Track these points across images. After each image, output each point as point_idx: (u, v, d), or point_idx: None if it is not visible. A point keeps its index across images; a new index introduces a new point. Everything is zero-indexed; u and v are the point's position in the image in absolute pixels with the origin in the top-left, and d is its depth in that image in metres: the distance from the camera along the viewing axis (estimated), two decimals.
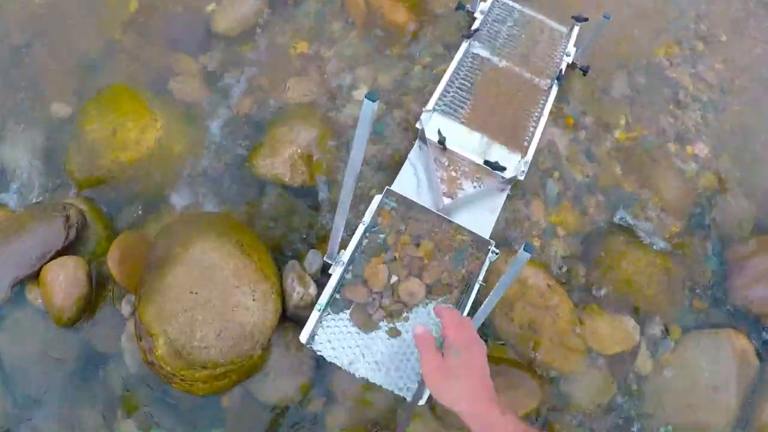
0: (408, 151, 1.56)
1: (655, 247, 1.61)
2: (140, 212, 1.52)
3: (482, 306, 1.21)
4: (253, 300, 1.28)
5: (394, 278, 1.36)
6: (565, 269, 1.55)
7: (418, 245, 1.40)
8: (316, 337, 1.28)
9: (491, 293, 1.15)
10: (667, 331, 1.53)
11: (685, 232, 1.64)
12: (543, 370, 1.44)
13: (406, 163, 1.53)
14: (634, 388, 1.48)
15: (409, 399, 1.18)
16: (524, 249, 1.02)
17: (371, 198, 1.43)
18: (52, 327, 1.36)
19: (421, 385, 1.10)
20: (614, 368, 1.49)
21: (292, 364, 1.36)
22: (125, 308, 1.39)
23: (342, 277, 1.33)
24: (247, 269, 1.29)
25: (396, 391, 1.24)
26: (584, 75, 1.79)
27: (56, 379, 1.34)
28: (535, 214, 1.62)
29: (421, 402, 1.12)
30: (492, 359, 1.18)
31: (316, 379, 1.39)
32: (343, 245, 1.33)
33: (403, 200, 1.42)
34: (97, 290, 1.44)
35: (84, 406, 1.34)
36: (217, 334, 1.24)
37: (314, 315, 1.28)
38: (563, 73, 1.72)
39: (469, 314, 1.34)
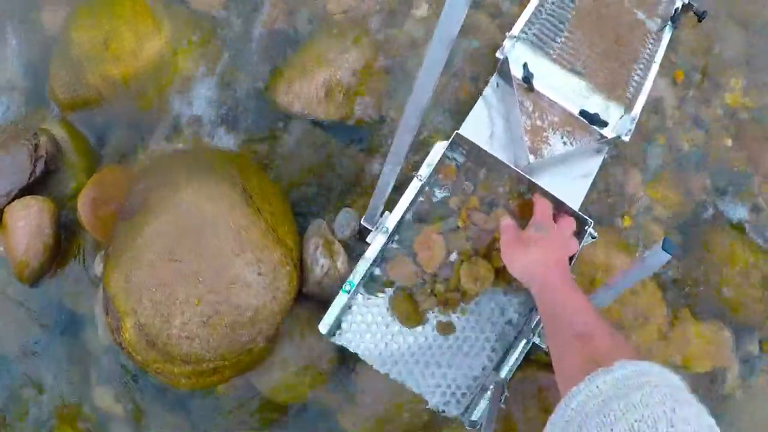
0: (482, 90, 1.08)
1: (760, 243, 1.19)
2: (131, 142, 1.07)
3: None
4: (259, 274, 0.79)
5: (453, 255, 0.91)
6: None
7: (489, 213, 0.94)
8: (342, 327, 0.87)
9: (593, 296, 0.81)
10: (761, 347, 1.15)
11: None
12: None
13: (479, 103, 1.01)
14: (717, 409, 1.09)
15: (454, 415, 0.86)
16: (663, 247, 0.66)
17: (429, 146, 0.95)
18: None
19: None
20: (699, 388, 1.09)
21: (307, 358, 0.86)
22: (98, 268, 0.91)
23: (384, 249, 0.89)
24: (253, 229, 0.80)
25: (440, 407, 0.86)
26: (699, 21, 1.28)
27: (23, 335, 1.02)
28: (631, 186, 1.16)
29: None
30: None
31: (337, 376, 0.97)
32: (389, 206, 0.88)
33: (474, 151, 0.95)
34: (69, 241, 1.02)
35: (55, 366, 1.00)
36: (204, 320, 0.77)
37: (340, 298, 0.85)
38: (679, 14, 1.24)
39: None
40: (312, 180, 1.01)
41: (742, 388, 1.11)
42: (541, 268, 0.81)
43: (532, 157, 0.96)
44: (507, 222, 0.89)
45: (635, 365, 0.59)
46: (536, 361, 0.96)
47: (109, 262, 0.84)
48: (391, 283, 0.88)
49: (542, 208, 0.89)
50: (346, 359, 0.95)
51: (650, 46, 1.16)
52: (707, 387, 1.10)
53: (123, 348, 0.85)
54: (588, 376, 0.58)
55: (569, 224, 0.89)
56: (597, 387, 0.57)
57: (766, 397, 1.10)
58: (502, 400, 0.78)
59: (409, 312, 0.87)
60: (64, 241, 1.00)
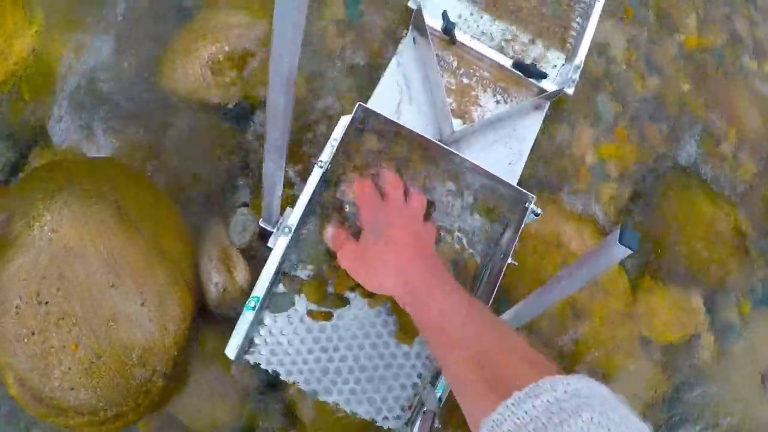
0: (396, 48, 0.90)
1: (726, 195, 1.05)
2: (12, 158, 0.89)
3: (517, 306, 0.70)
4: (142, 304, 0.66)
5: None
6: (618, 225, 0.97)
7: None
8: (255, 344, 0.74)
9: (541, 291, 0.64)
10: (738, 308, 1.03)
11: (763, 176, 1.09)
12: (584, 369, 0.93)
13: (392, 65, 0.82)
14: (693, 381, 0.98)
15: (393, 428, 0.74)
16: (620, 239, 0.50)
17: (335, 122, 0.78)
18: None
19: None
20: (671, 359, 0.98)
21: (224, 383, 0.73)
22: None
23: (288, 252, 0.74)
24: (129, 252, 0.66)
25: (375, 418, 0.74)
26: None
27: None
28: (581, 144, 0.99)
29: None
30: None
31: (265, 396, 0.82)
32: (291, 200, 0.76)
33: (385, 125, 0.77)
34: None
35: None
36: (85, 367, 0.64)
37: (245, 317, 0.71)
38: None
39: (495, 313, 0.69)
40: (206, 177, 0.84)
41: (719, 353, 1.00)
42: (397, 278, 0.66)
43: (458, 123, 0.80)
44: (331, 232, 0.73)
45: (565, 383, 0.46)
46: None
47: None
48: (299, 290, 0.74)
49: (361, 197, 0.73)
50: (271, 377, 0.83)
51: None
52: (681, 356, 0.97)
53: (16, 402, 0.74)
54: (504, 401, 0.46)
55: (418, 202, 0.74)
56: (525, 413, 0.44)
57: (743, 361, 0.98)
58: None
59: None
60: None
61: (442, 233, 0.77)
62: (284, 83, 0.47)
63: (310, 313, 0.74)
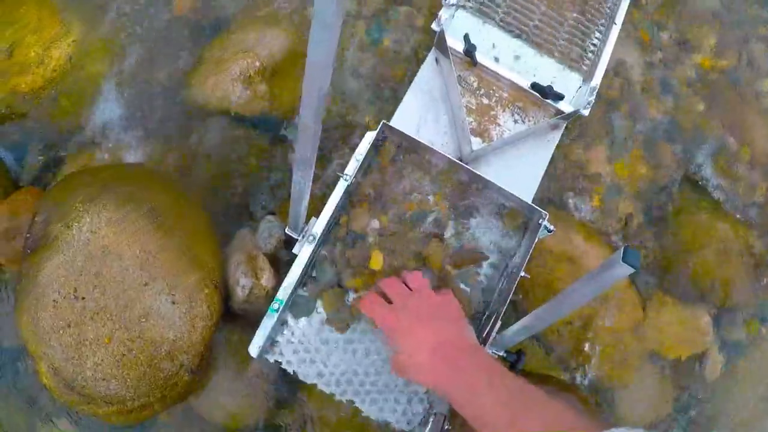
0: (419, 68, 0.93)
1: (738, 216, 1.06)
2: (49, 162, 0.93)
3: (527, 318, 0.70)
4: (173, 303, 0.70)
5: (395, 261, 0.78)
6: (630, 242, 0.99)
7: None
8: (276, 344, 0.76)
9: (550, 305, 0.65)
10: (745, 328, 1.03)
11: None
12: (594, 382, 0.94)
13: (414, 86, 0.84)
14: (699, 397, 0.98)
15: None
16: (624, 258, 0.52)
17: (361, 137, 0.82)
18: None
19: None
20: (678, 375, 0.98)
21: (246, 380, 0.76)
22: None
23: (314, 258, 0.77)
24: (162, 254, 0.70)
25: (389, 421, 0.76)
26: None
27: None
28: (595, 163, 1.01)
29: None
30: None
31: (284, 395, 0.85)
32: (317, 209, 0.77)
33: (407, 141, 0.82)
34: None
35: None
36: (117, 359, 0.67)
37: (269, 319, 0.73)
38: None
39: (504, 324, 0.77)
40: (235, 185, 0.88)
41: (725, 371, 1.00)
42: (435, 384, 0.64)
43: (477, 142, 0.83)
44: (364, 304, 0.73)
45: None
46: None
47: (17, 303, 0.75)
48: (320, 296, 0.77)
49: (372, 310, 0.71)
50: (289, 376, 0.86)
51: (610, 3, 0.98)
52: (688, 372, 0.98)
53: (47, 390, 0.78)
54: None
55: (420, 283, 0.73)
56: None
57: (750, 379, 0.99)
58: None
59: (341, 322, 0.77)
60: None
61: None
62: (316, 101, 0.51)
63: (329, 320, 0.77)
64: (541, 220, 0.78)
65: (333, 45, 0.43)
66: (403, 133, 0.77)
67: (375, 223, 0.78)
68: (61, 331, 0.70)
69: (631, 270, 0.53)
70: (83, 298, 0.70)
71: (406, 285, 0.72)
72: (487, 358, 0.64)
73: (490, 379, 0.60)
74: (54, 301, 0.71)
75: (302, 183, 0.66)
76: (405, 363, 0.65)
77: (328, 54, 0.44)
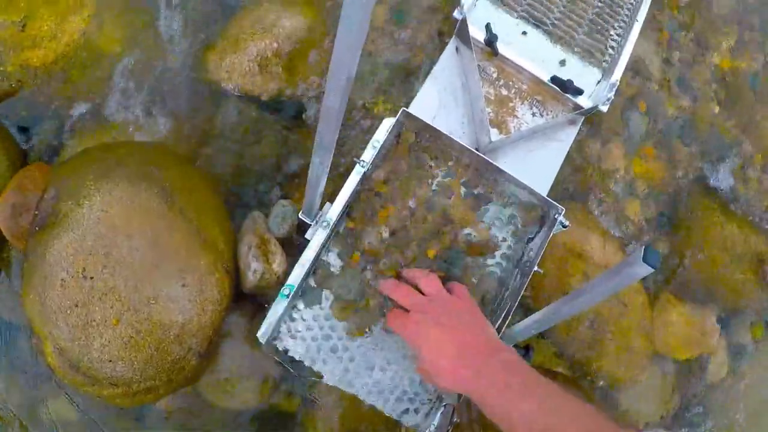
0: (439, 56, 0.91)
1: (751, 219, 1.05)
2: (59, 138, 0.90)
3: (540, 313, 0.69)
4: (183, 285, 0.68)
5: (407, 252, 0.77)
6: (641, 240, 0.97)
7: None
8: (283, 331, 0.74)
9: (564, 301, 0.64)
10: (751, 331, 1.03)
11: None
12: (599, 380, 0.93)
13: (433, 74, 0.82)
14: (702, 398, 0.99)
15: (411, 425, 0.75)
16: (644, 258, 0.51)
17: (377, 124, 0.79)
18: None
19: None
20: (682, 376, 0.98)
21: (253, 364, 0.75)
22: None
23: (327, 244, 0.76)
24: (174, 235, 0.68)
25: (394, 415, 0.75)
26: None
27: None
28: (611, 159, 1.00)
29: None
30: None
31: (289, 380, 0.84)
32: (332, 195, 0.75)
33: (425, 130, 0.79)
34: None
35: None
36: (125, 341, 0.65)
37: (279, 304, 0.72)
38: None
39: (513, 318, 0.77)
40: (248, 167, 0.85)
41: (730, 374, 1.00)
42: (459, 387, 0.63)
43: (495, 133, 0.81)
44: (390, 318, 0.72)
45: None
46: None
47: (24, 280, 0.73)
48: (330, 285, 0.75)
49: (394, 318, 0.71)
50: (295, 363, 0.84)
51: (632, 1, 0.97)
52: (695, 374, 0.98)
53: (51, 370, 0.76)
54: None
55: (434, 287, 0.71)
56: None
57: (755, 383, 0.98)
58: (450, 428, 0.67)
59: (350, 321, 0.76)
60: None
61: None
62: (342, 87, 0.49)
63: (338, 310, 0.76)
64: (557, 215, 0.76)
65: (364, 29, 0.42)
66: (422, 120, 0.75)
67: (390, 211, 0.76)
68: (68, 311, 0.69)
69: (651, 270, 0.51)
70: (92, 278, 0.68)
71: (418, 290, 0.71)
72: (509, 358, 0.63)
73: (515, 380, 0.59)
74: (62, 280, 0.69)
75: (320, 168, 0.64)
76: (429, 371, 0.64)
77: (359, 38, 0.42)
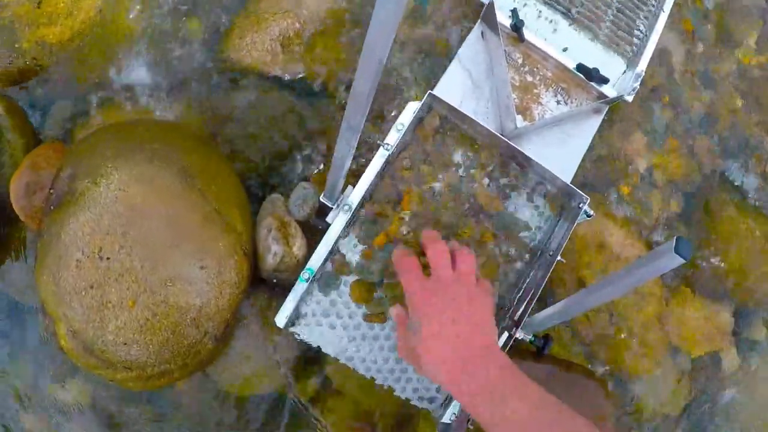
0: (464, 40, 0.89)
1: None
2: (74, 116, 0.88)
3: (563, 302, 0.68)
4: (201, 268, 0.65)
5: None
6: (661, 233, 0.96)
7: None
8: (302, 316, 0.73)
9: (588, 291, 0.63)
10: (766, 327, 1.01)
11: None
12: (614, 371, 0.92)
13: (457, 59, 0.81)
14: (715, 393, 0.98)
15: (429, 409, 0.74)
16: (676, 249, 0.50)
17: (401, 107, 0.73)
18: None
19: None
20: (695, 370, 0.97)
21: (268, 350, 0.74)
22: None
23: (347, 228, 0.74)
24: (192, 215, 0.66)
25: (413, 400, 0.74)
26: None
27: None
28: (632, 150, 0.97)
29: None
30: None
31: (304, 366, 0.83)
32: (354, 178, 0.74)
33: (451, 113, 0.77)
34: (12, 231, 0.86)
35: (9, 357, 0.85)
36: (140, 324, 0.63)
37: (298, 288, 0.71)
38: None
39: (535, 307, 0.75)
40: (267, 148, 0.83)
41: (743, 371, 0.98)
42: (445, 382, 0.59)
43: (519, 119, 0.79)
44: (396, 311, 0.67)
45: None
46: (516, 348, 0.81)
47: (38, 261, 0.71)
48: (348, 272, 0.73)
49: (407, 280, 0.64)
50: (312, 348, 0.83)
51: None
52: (706, 367, 0.96)
53: (64, 353, 0.74)
54: None
55: (467, 265, 0.64)
56: None
57: (765, 379, 0.97)
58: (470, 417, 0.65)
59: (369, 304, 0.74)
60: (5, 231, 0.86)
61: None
62: (373, 69, 0.47)
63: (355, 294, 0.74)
64: (581, 204, 0.74)
65: (399, 12, 0.40)
66: (448, 104, 0.73)
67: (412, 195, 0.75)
68: (83, 293, 0.67)
69: (683, 261, 0.50)
70: (108, 259, 0.66)
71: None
72: (503, 362, 0.59)
73: (507, 387, 0.56)
74: (77, 260, 0.67)
75: (346, 150, 0.62)
76: (417, 349, 0.60)
77: (393, 21, 0.40)
